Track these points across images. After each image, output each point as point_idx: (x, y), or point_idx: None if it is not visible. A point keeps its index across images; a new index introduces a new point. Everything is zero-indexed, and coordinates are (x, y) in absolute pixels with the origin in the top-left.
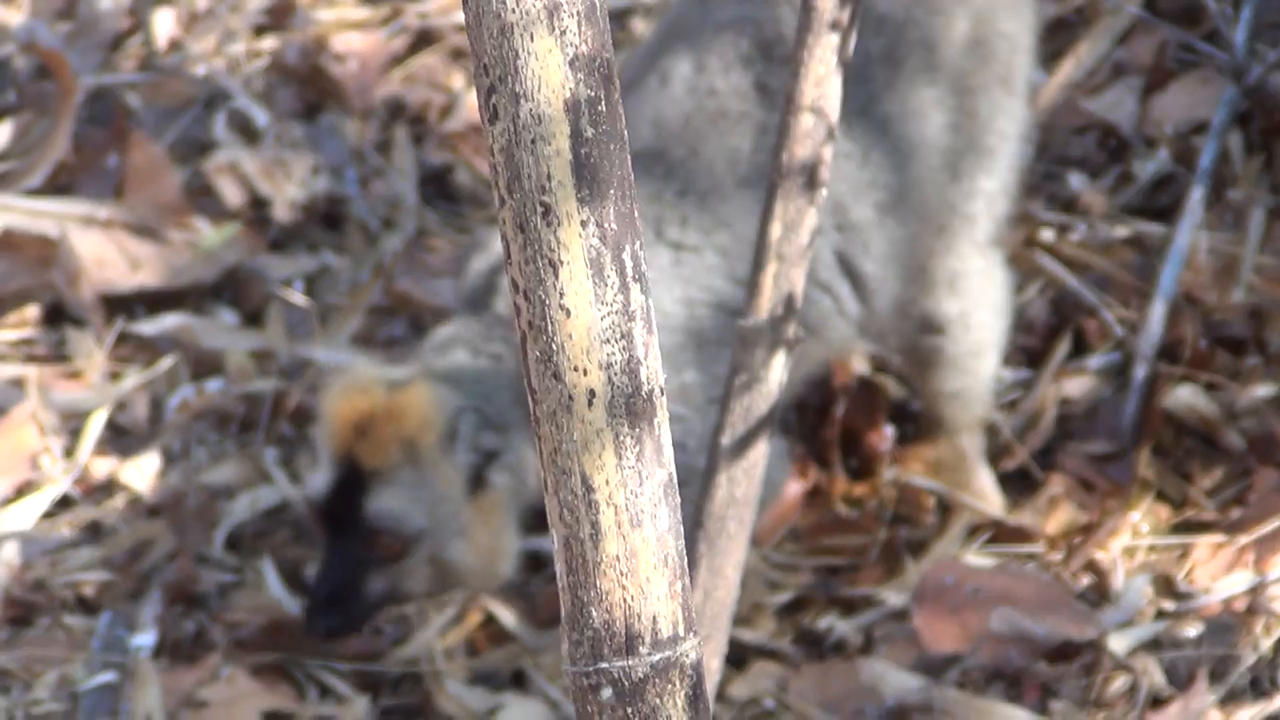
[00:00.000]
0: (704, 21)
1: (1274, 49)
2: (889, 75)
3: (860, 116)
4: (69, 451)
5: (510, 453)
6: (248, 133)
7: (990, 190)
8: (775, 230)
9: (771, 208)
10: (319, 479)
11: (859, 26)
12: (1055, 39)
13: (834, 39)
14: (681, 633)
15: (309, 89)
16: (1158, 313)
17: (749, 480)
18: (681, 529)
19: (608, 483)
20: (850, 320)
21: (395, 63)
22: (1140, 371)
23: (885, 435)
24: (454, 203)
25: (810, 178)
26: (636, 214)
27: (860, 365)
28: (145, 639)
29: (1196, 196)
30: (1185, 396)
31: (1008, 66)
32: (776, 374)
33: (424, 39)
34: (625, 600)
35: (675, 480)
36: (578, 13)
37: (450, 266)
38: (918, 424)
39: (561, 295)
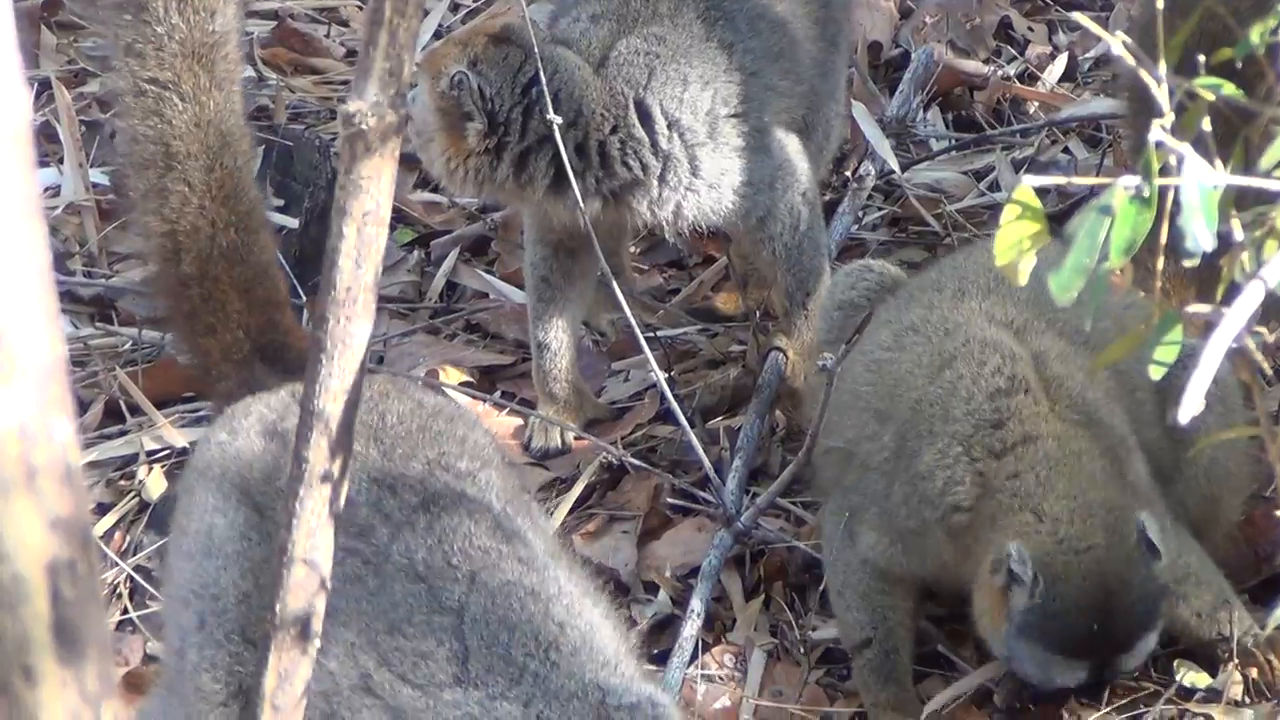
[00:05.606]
0: None
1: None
2: None
3: None
4: None
5: None
6: None
7: None
8: (270, 681)
9: (266, 658)
10: None
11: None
12: (547, 486)
13: (326, 491)
14: None
15: None
16: None
17: None
18: None
19: None
20: None
21: None
22: None
23: None
24: None
25: (304, 629)
26: (112, 673)
27: None
28: None
29: (687, 634)
30: None
31: None
32: None
33: None
34: None
35: None
36: (56, 476)
37: None
38: None
39: None
